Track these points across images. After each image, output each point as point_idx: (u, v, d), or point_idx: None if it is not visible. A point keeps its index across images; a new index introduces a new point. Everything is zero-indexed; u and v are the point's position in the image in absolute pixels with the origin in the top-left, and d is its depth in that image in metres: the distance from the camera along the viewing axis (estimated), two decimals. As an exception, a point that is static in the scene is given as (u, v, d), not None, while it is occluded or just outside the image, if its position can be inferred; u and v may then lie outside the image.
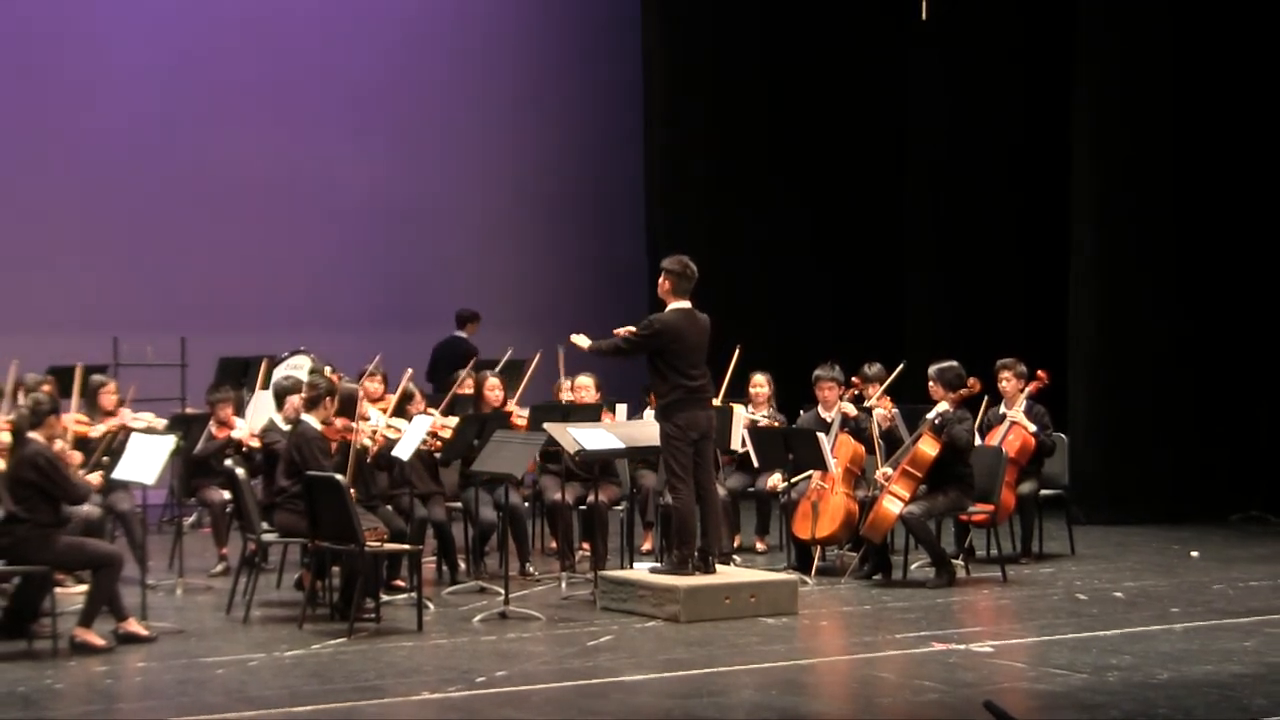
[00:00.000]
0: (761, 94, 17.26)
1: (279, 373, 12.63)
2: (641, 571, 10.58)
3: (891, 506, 11.11)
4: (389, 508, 10.71)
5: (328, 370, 11.29)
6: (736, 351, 12.22)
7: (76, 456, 10.09)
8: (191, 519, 13.25)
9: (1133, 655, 8.89)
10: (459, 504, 11.57)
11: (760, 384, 12.59)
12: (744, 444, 11.86)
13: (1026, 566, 11.93)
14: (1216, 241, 14.51)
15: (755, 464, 12.10)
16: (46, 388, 10.23)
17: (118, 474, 10.08)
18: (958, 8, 15.43)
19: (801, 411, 12.54)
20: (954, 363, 11.44)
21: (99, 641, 9.07)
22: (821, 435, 11.55)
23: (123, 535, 11.13)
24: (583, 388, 12.37)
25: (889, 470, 11.33)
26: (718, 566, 10.45)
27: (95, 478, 10.09)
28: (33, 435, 9.17)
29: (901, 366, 12.34)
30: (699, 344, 10.32)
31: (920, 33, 15.05)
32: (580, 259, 18.07)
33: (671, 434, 10.23)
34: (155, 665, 8.81)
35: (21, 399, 10.02)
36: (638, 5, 17.94)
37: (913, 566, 11.53)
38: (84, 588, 9.49)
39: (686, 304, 10.37)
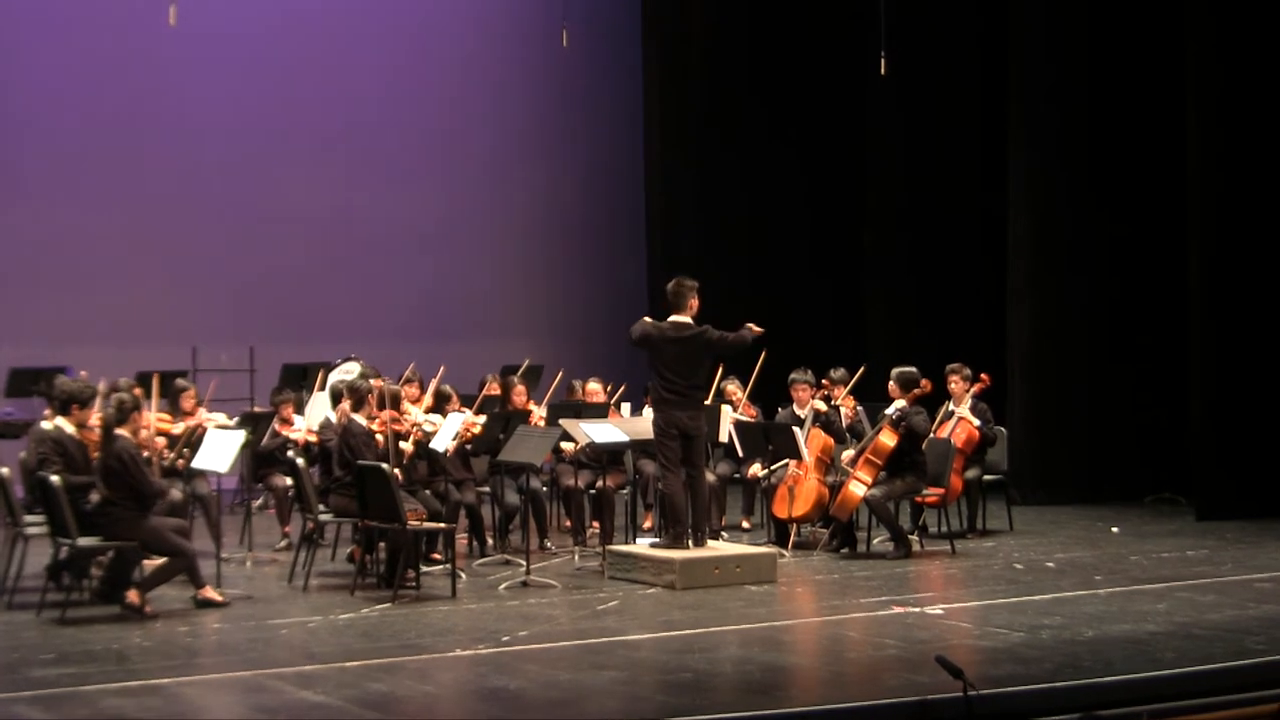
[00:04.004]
0: (749, 127, 17.19)
1: (333, 377, 12.65)
2: (643, 546, 10.59)
3: (856, 490, 11.12)
4: (427, 492, 10.73)
5: (371, 377, 11.30)
6: (762, 355, 12.26)
7: (161, 442, 10.14)
8: (259, 501, 13.23)
9: (1062, 616, 8.89)
10: (487, 488, 11.59)
11: (734, 390, 12.63)
12: (730, 437, 11.89)
13: (972, 541, 11.93)
14: (1130, 270, 14.50)
15: (740, 453, 12.12)
16: (137, 390, 10.26)
17: (197, 463, 10.13)
18: (913, 62, 15.45)
19: (779, 409, 12.56)
20: (911, 368, 11.46)
21: (144, 605, 8.98)
22: (796, 429, 11.57)
23: (202, 515, 11.15)
24: (593, 392, 12.42)
25: (850, 453, 11.37)
26: (708, 542, 10.48)
27: (182, 460, 10.40)
28: (120, 431, 9.16)
29: (862, 371, 12.37)
30: (675, 353, 10.24)
31: (880, 84, 15.06)
32: (587, 278, 18.03)
33: (657, 428, 10.31)
34: (229, 626, 8.84)
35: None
36: (639, 49, 17.92)
37: (875, 541, 11.55)
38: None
39: (677, 317, 10.34)
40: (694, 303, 10.39)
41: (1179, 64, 13.63)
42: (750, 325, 10.50)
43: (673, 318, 10.36)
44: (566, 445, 11.63)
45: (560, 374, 12.89)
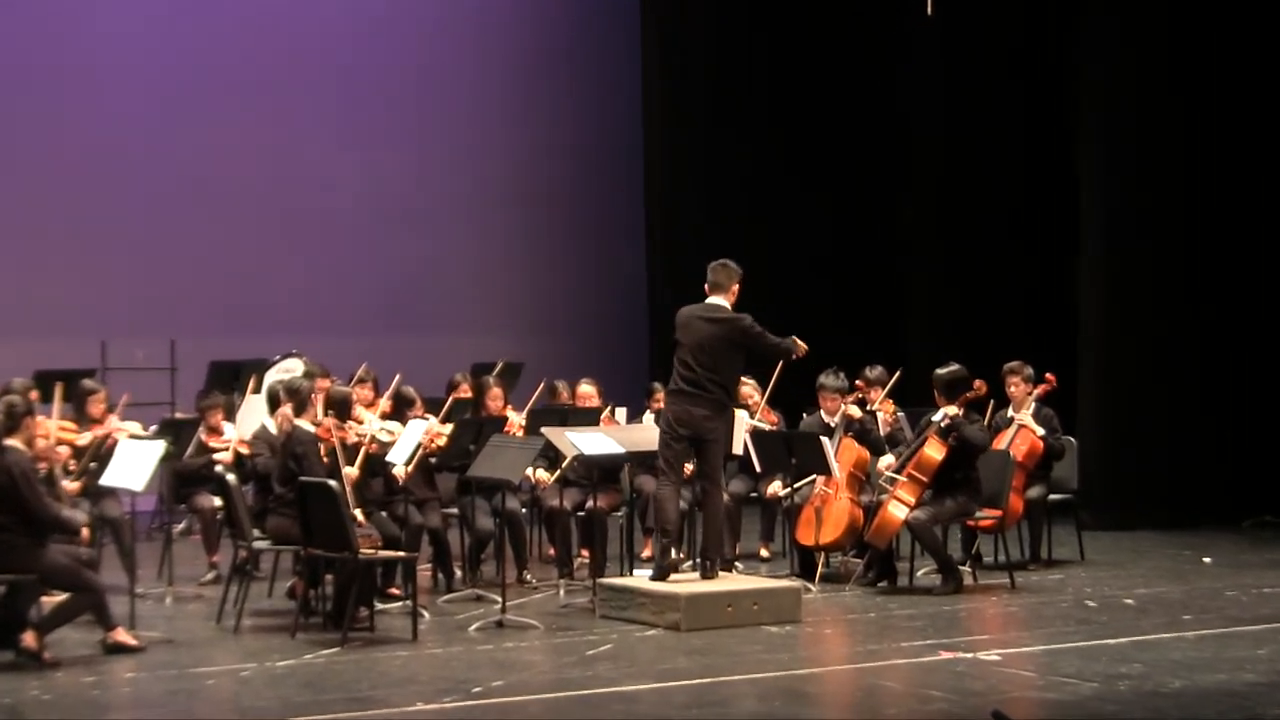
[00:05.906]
0: (761, 98, 17.27)
1: (270, 377, 12.63)
2: (642, 579, 10.55)
3: (897, 512, 11.07)
4: (384, 514, 10.69)
5: (317, 377, 11.25)
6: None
7: (64, 452, 10.07)
8: (181, 526, 13.22)
9: (1143, 663, 8.86)
10: (455, 510, 11.54)
11: (750, 393, 12.57)
12: (746, 448, 11.83)
13: (1035, 573, 11.91)
14: (1226, 244, 14.52)
15: (757, 468, 12.08)
16: (34, 394, 10.20)
17: (106, 480, 10.10)
18: (960, 5, 15.41)
19: (804, 415, 12.51)
20: (955, 366, 11.37)
21: (41, 651, 8.90)
22: (824, 439, 11.51)
23: (112, 542, 11.08)
24: (585, 396, 12.38)
25: (890, 459, 11.33)
26: (720, 573, 10.44)
27: (76, 485, 10.24)
28: (9, 441, 9.05)
29: (900, 373, 12.29)
30: (703, 335, 10.39)
31: (921, 33, 15.03)
32: (579, 264, 18.05)
33: (663, 425, 10.46)
34: (144, 675, 8.79)
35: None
36: (637, 11, 17.95)
37: (919, 573, 11.53)
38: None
39: (710, 299, 10.53)
40: (736, 289, 10.59)
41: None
42: (798, 340, 10.65)
43: (709, 299, 10.49)
44: (542, 476, 11.58)
45: (545, 380, 12.85)
